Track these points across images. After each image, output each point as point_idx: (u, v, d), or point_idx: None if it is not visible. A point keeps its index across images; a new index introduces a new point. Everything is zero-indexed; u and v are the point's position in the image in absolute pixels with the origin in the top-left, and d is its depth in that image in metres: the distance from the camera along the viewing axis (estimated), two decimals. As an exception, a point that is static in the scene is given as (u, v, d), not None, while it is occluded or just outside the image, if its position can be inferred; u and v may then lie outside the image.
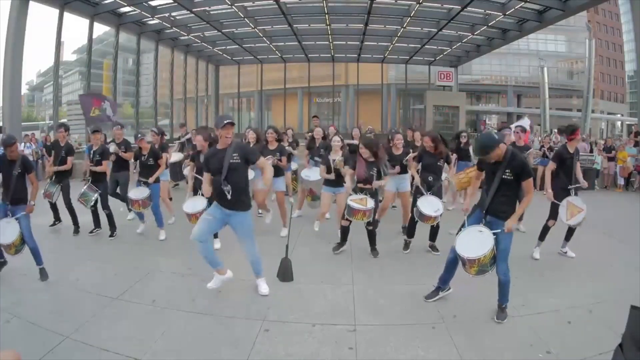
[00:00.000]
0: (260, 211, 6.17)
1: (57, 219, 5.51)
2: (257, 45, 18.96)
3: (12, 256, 3.69)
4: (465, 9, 12.54)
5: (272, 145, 5.09)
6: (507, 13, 12.76)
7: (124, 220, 5.70)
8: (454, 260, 3.17)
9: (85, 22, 13.22)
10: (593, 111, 24.38)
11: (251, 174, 5.38)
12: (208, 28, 15.63)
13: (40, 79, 55.28)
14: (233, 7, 13.21)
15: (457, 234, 3.16)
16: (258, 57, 21.17)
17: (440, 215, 4.34)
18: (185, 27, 15.79)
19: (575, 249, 4.50)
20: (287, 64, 22.46)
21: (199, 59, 21.06)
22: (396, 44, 17.76)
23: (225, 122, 3.22)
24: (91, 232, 5.22)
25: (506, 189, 2.97)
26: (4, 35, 10.75)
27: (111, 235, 5.12)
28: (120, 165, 5.63)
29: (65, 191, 5.32)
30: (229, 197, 3.19)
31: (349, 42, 18.42)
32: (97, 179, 5.21)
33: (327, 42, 18.12)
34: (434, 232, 4.57)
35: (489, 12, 13.38)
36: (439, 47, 18.44)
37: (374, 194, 4.35)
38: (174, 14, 14.49)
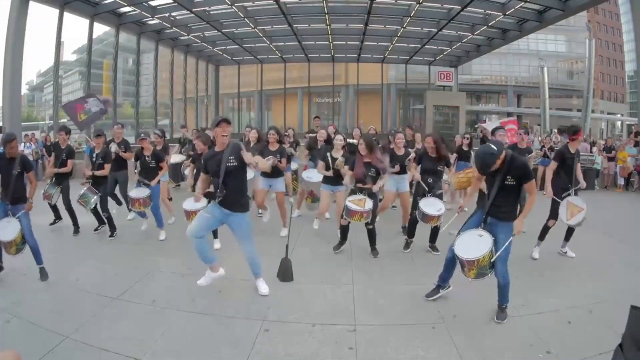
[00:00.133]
0: (260, 211, 6.17)
1: (58, 217, 5.52)
2: (257, 45, 18.97)
3: (13, 256, 3.69)
4: (465, 9, 12.54)
5: (273, 147, 5.08)
6: (507, 13, 12.76)
7: (124, 220, 5.71)
8: (453, 260, 3.17)
9: (85, 22, 13.22)
10: (593, 111, 24.40)
11: (250, 174, 5.39)
12: (208, 28, 15.63)
13: (40, 79, 55.27)
14: (233, 7, 13.21)
15: (457, 234, 3.16)
16: (258, 57, 21.17)
17: (442, 215, 4.34)
18: (185, 27, 15.79)
19: (575, 249, 4.50)
20: (287, 64, 22.46)
21: (199, 59, 21.06)
22: (396, 44, 17.76)
23: (220, 119, 3.25)
24: (96, 229, 5.25)
25: (507, 192, 2.97)
26: (4, 35, 10.76)
27: (111, 236, 5.11)
28: (120, 164, 5.64)
29: (65, 193, 5.31)
30: (223, 200, 3.23)
31: (349, 42, 18.42)
32: (97, 181, 5.20)
33: (327, 42, 18.12)
34: (434, 233, 4.57)
35: (489, 12, 13.38)
36: (439, 47, 18.45)
37: (372, 194, 4.34)
38: (174, 14, 14.49)
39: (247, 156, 3.18)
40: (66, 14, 12.29)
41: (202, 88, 22.27)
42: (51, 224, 5.43)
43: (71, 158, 5.32)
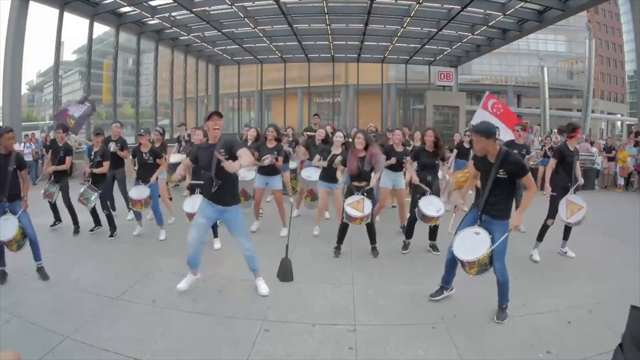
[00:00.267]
0: (260, 210, 6.17)
1: (58, 219, 5.50)
2: (257, 45, 18.96)
3: (14, 252, 3.68)
4: (465, 9, 12.52)
5: (271, 144, 5.09)
6: (507, 13, 12.75)
7: (124, 220, 5.71)
8: (453, 261, 3.17)
9: (85, 22, 13.21)
10: (593, 111, 24.41)
11: (251, 174, 5.39)
12: (208, 28, 15.62)
13: (40, 79, 55.29)
14: (233, 7, 13.20)
15: (454, 233, 3.17)
16: (258, 57, 21.16)
17: (442, 215, 4.34)
18: (185, 27, 15.79)
19: (575, 249, 4.50)
20: (287, 64, 22.44)
21: (199, 59, 21.05)
22: (396, 44, 17.75)
23: (212, 112, 3.28)
24: (91, 230, 5.22)
25: (500, 188, 2.97)
26: (4, 35, 10.75)
27: (111, 236, 5.11)
28: (117, 162, 5.65)
29: (65, 191, 5.31)
30: (217, 194, 3.25)
31: (349, 42, 18.41)
32: (97, 179, 5.21)
33: (327, 42, 18.11)
34: (433, 232, 4.58)
35: (489, 12, 13.37)
36: (439, 47, 18.44)
37: (370, 192, 4.34)
38: (174, 14, 14.48)
39: (230, 165, 3.07)
40: (66, 14, 12.28)
41: (202, 88, 22.26)
42: (51, 226, 5.42)
43: (69, 155, 5.31)
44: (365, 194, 4.28)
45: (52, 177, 5.27)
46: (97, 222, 5.27)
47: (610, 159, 10.51)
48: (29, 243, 3.74)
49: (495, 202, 2.99)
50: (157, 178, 5.15)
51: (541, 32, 19.93)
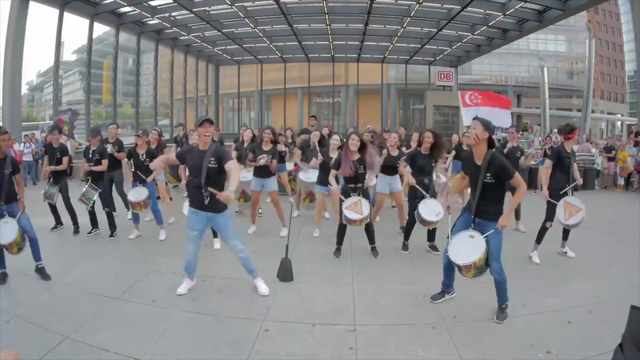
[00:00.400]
0: (260, 210, 6.18)
1: (59, 222, 5.50)
2: (257, 45, 18.96)
3: (15, 255, 3.68)
4: (465, 9, 12.53)
5: (267, 146, 5.10)
6: (507, 13, 12.75)
7: (123, 220, 5.70)
8: (449, 265, 3.17)
9: (85, 22, 13.22)
10: (593, 111, 24.39)
11: (251, 174, 5.40)
12: (208, 28, 15.63)
13: (40, 79, 55.28)
14: (233, 7, 13.21)
15: (447, 237, 3.17)
16: (258, 57, 21.17)
17: (441, 220, 4.34)
18: (185, 27, 15.80)
19: (575, 249, 4.50)
20: (287, 64, 22.46)
21: (199, 59, 21.07)
22: (396, 44, 17.76)
23: (203, 119, 3.26)
24: (89, 232, 5.22)
25: (490, 191, 2.97)
26: (4, 35, 10.76)
27: (111, 236, 5.11)
28: (114, 164, 5.65)
29: (64, 191, 5.32)
30: (206, 202, 3.25)
31: (349, 42, 18.42)
32: (96, 178, 5.21)
33: (327, 42, 18.11)
34: (431, 233, 4.60)
35: (489, 12, 13.38)
36: (439, 47, 18.45)
37: (365, 193, 4.33)
38: (174, 14, 14.49)
39: (232, 163, 3.25)
40: (66, 14, 12.29)
41: (202, 88, 22.28)
42: (52, 229, 5.41)
43: (65, 155, 5.33)
44: (361, 194, 4.28)
45: (51, 179, 5.28)
46: (95, 224, 5.26)
47: (610, 159, 10.51)
48: (29, 243, 3.73)
49: (486, 206, 2.98)
50: (154, 178, 5.15)
51: (541, 32, 19.91)
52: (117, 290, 3.49)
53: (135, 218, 5.16)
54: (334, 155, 4.81)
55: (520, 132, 23.48)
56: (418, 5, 12.81)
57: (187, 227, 3.43)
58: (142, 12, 13.80)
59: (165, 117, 23.33)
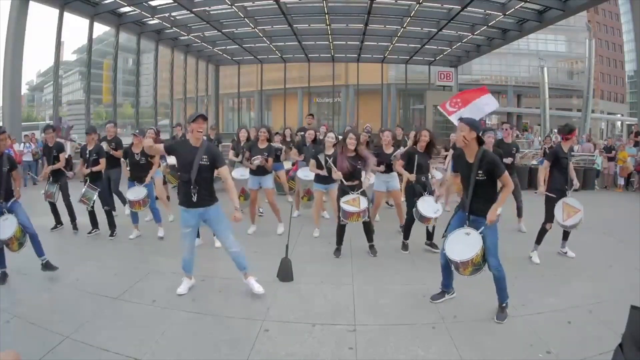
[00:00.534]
0: (261, 210, 6.18)
1: (59, 222, 5.51)
2: (257, 45, 18.97)
3: (16, 253, 3.68)
4: (465, 9, 12.54)
5: (262, 144, 5.12)
6: (507, 13, 12.77)
7: (123, 220, 5.70)
8: (447, 265, 3.18)
9: (85, 22, 13.24)
10: (593, 111, 24.37)
11: (247, 174, 5.41)
12: (208, 28, 15.64)
13: (40, 79, 55.34)
14: (233, 7, 13.22)
15: (443, 236, 3.18)
16: (258, 57, 21.18)
17: (439, 216, 4.35)
18: (185, 27, 15.80)
19: (575, 249, 4.50)
20: (287, 64, 22.47)
21: (199, 59, 21.07)
22: (396, 44, 17.77)
23: (197, 115, 3.27)
24: (89, 232, 5.22)
25: (483, 188, 2.99)
26: (4, 35, 10.77)
27: (111, 235, 5.12)
28: (112, 162, 5.66)
29: (64, 189, 5.35)
30: (194, 198, 3.26)
31: (349, 42, 18.43)
32: (95, 177, 5.21)
33: (327, 42, 18.12)
34: (430, 233, 4.63)
35: (489, 12, 13.39)
36: (439, 47, 18.46)
37: (364, 192, 4.36)
38: (174, 14, 14.50)
39: (225, 169, 3.37)
40: (66, 14, 12.30)
41: (202, 88, 22.28)
42: (52, 229, 5.42)
43: (62, 152, 5.37)
44: (359, 192, 4.30)
45: (51, 178, 5.31)
46: (95, 224, 5.26)
47: (610, 159, 10.51)
48: (30, 240, 3.75)
49: (480, 202, 3.00)
50: (151, 178, 5.17)
51: (541, 32, 19.92)
52: (117, 290, 3.49)
53: (135, 218, 5.16)
54: (329, 152, 4.83)
55: (521, 132, 23.50)
56: (418, 5, 12.82)
57: (180, 224, 3.43)
58: (142, 12, 13.81)
59: (165, 117, 23.35)
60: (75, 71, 47.60)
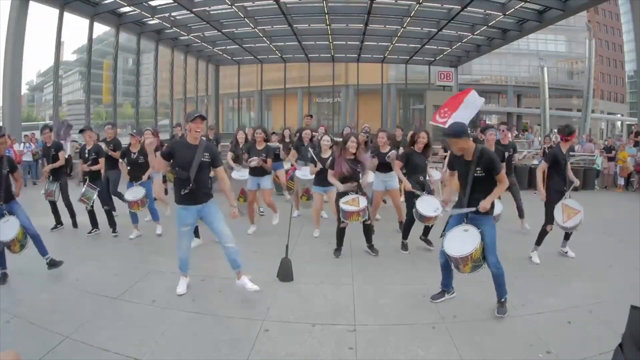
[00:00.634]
0: (262, 209, 6.18)
1: (59, 222, 5.51)
2: (257, 45, 18.99)
3: (18, 255, 3.68)
4: (465, 9, 12.55)
5: (260, 145, 5.14)
6: (507, 13, 12.78)
7: (123, 220, 5.69)
8: (447, 264, 3.19)
9: (85, 22, 13.24)
10: (593, 111, 24.36)
11: (246, 174, 5.41)
12: (208, 28, 15.65)
13: (40, 79, 55.30)
14: (233, 7, 13.22)
15: (441, 235, 3.18)
16: (258, 57, 21.19)
17: (439, 215, 4.35)
18: (185, 27, 15.81)
19: (575, 249, 4.50)
20: (287, 64, 22.48)
21: (199, 59, 21.09)
22: (396, 44, 17.78)
23: (196, 115, 3.27)
24: (89, 232, 5.23)
25: (481, 185, 3.01)
26: (4, 35, 10.78)
27: (113, 232, 5.16)
28: (111, 164, 5.68)
29: (64, 189, 5.36)
30: (184, 191, 3.28)
31: (349, 42, 18.44)
32: (94, 177, 5.23)
33: (327, 42, 18.14)
34: (426, 230, 4.66)
35: (489, 12, 13.40)
36: (439, 47, 18.47)
37: (363, 193, 4.36)
38: (174, 14, 14.51)
39: (221, 170, 3.43)
40: (66, 14, 12.31)
41: (202, 88, 22.30)
42: (52, 229, 5.41)
43: (60, 150, 5.39)
44: (359, 193, 4.31)
45: (51, 177, 5.34)
46: (95, 224, 5.27)
47: (610, 159, 10.51)
48: (32, 241, 3.75)
49: (478, 199, 3.00)
50: (149, 176, 5.18)
51: (541, 32, 19.93)
52: (117, 290, 3.49)
53: (134, 218, 5.16)
54: (325, 155, 4.84)
55: (521, 132, 23.50)
56: (418, 5, 12.83)
57: (177, 223, 3.43)
58: (142, 12, 13.83)
59: (165, 117, 23.35)
60: (75, 71, 47.58)
